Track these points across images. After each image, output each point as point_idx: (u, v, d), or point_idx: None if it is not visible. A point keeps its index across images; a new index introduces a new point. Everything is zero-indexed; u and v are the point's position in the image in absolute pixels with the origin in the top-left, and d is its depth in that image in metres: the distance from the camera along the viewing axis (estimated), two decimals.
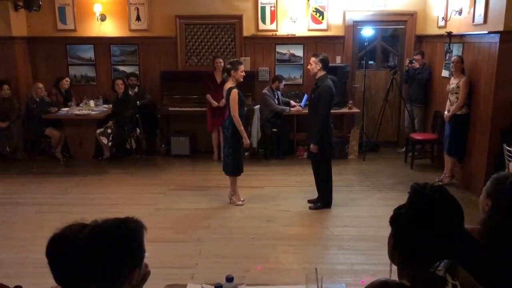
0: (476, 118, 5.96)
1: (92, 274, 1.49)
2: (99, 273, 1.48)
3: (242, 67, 5.40)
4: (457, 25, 6.52)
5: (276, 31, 7.97)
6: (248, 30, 7.98)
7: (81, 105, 7.77)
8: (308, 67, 5.41)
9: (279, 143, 7.71)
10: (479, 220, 2.12)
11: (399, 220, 1.54)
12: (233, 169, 5.54)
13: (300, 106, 7.67)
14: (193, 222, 5.13)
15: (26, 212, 5.42)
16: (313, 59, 5.29)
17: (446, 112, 6.27)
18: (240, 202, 5.62)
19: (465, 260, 1.62)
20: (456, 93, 6.06)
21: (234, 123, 5.34)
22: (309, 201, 5.60)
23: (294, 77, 8.15)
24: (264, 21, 7.94)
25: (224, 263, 4.16)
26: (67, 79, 8.04)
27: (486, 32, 5.59)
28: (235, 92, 5.29)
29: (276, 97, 7.63)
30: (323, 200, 5.51)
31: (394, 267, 1.61)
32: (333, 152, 7.58)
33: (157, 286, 2.12)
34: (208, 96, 7.35)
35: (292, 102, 7.72)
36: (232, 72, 5.33)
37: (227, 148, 5.54)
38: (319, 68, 5.23)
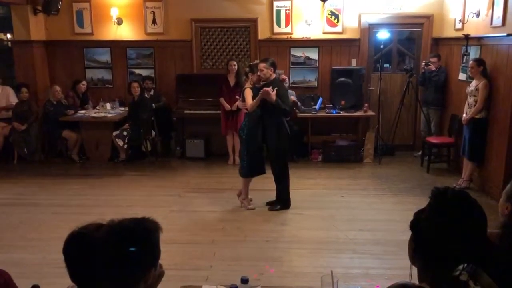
0: (495, 121, 5.87)
1: (108, 273, 1.50)
2: (115, 272, 1.49)
3: None
4: (474, 27, 6.44)
5: (291, 34, 7.96)
6: (263, 33, 7.99)
7: (97, 107, 7.87)
8: (259, 73, 5.32)
9: (292, 146, 7.65)
10: (498, 224, 2.08)
11: (420, 225, 1.51)
12: (246, 171, 5.52)
13: (315, 109, 7.62)
14: (207, 225, 5.14)
15: (43, 213, 5.49)
16: (263, 65, 5.29)
17: (464, 115, 6.18)
18: (251, 206, 5.59)
19: (486, 265, 1.59)
20: (475, 95, 5.96)
21: (249, 125, 5.36)
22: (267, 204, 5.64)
23: (309, 80, 8.13)
24: (279, 24, 7.94)
25: (238, 266, 4.15)
26: (84, 82, 8.13)
27: (505, 34, 5.50)
28: (248, 89, 5.36)
29: None
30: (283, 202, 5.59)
31: (414, 272, 1.59)
32: (347, 155, 7.61)
33: (171, 287, 2.13)
34: (222, 99, 7.37)
35: (292, 97, 7.29)
36: (250, 75, 5.36)
37: (242, 150, 5.56)
38: (271, 72, 5.31)
